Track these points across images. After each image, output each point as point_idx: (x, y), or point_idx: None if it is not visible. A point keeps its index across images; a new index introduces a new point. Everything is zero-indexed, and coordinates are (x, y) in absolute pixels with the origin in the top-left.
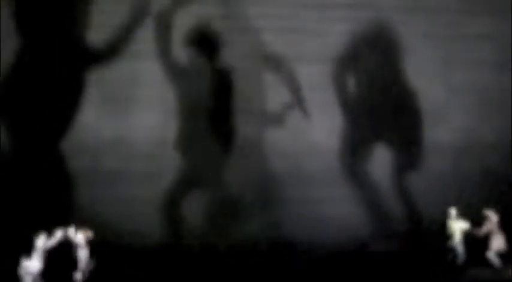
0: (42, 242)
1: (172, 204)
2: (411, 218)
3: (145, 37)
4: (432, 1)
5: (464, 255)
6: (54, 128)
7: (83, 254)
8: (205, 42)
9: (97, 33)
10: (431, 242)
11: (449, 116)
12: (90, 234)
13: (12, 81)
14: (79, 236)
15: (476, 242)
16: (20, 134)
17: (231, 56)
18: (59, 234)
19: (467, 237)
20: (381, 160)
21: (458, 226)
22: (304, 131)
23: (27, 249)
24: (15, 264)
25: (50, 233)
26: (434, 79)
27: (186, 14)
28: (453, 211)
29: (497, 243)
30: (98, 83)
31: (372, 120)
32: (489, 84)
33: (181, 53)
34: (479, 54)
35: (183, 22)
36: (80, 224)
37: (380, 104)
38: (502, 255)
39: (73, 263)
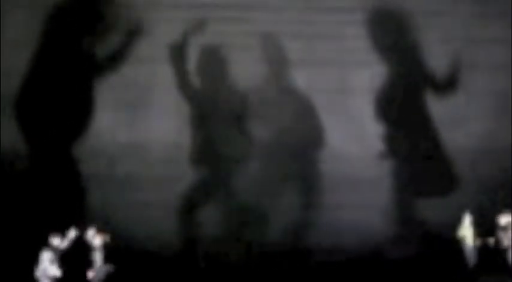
0: (57, 243)
1: (189, 210)
2: (428, 224)
3: (161, 41)
4: (447, 5)
5: (476, 261)
6: (69, 131)
7: (98, 258)
8: (221, 46)
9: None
10: (448, 247)
11: (467, 121)
12: (107, 237)
13: (25, 85)
14: (96, 239)
15: (489, 248)
16: (34, 137)
17: (247, 60)
18: (72, 235)
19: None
20: (398, 165)
21: (470, 232)
22: (323, 136)
23: (42, 253)
24: (31, 267)
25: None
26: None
27: (203, 14)
28: (467, 217)
29: None
30: (113, 87)
31: (390, 124)
32: (507, 88)
33: (196, 57)
34: (496, 58)
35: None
36: (98, 227)
37: (397, 108)
38: None
39: (89, 267)
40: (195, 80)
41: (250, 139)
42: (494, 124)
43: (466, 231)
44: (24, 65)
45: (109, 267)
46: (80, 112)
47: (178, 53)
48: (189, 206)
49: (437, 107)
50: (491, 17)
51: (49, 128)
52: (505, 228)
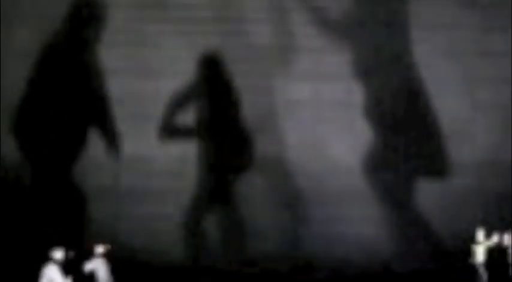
0: (60, 257)
1: (193, 222)
2: (434, 237)
3: (167, 55)
4: (453, 18)
5: (486, 275)
6: (72, 144)
7: (102, 270)
8: (219, 60)
9: (110, 50)
10: (454, 260)
11: (473, 134)
12: (109, 249)
13: (29, 98)
14: (98, 252)
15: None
16: (37, 149)
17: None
18: (71, 255)
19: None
20: (403, 178)
21: (482, 248)
22: (326, 149)
23: (45, 266)
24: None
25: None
26: (457, 97)
27: (199, 33)
28: (480, 233)
29: None
30: (118, 100)
31: (395, 138)
32: None
33: (198, 71)
34: (501, 71)
35: (198, 41)
36: (98, 242)
37: (403, 122)
38: None
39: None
40: (200, 93)
41: (254, 151)
42: (501, 136)
43: (478, 247)
44: (27, 78)
45: (112, 279)
46: (83, 126)
47: None
48: (193, 219)
49: (442, 120)
50: (496, 30)
51: (52, 140)
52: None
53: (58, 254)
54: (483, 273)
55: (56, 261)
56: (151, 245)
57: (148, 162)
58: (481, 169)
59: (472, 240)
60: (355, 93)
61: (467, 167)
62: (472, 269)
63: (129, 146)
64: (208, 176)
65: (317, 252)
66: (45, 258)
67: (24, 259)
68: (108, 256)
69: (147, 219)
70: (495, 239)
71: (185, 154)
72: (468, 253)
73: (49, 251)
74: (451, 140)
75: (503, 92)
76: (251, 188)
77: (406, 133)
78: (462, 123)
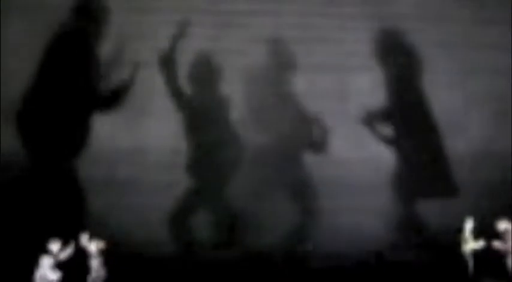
0: (56, 249)
1: (183, 215)
2: (427, 228)
3: (161, 46)
4: (448, 10)
5: (473, 265)
6: (68, 137)
7: (95, 264)
8: (219, 52)
9: (109, 43)
10: (447, 252)
11: (467, 126)
12: (103, 244)
13: (25, 91)
14: (92, 246)
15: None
16: (34, 142)
17: (247, 65)
18: (71, 247)
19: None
20: (397, 170)
21: (470, 239)
22: (323, 141)
23: (42, 258)
24: (30, 272)
25: (63, 241)
26: (451, 89)
27: (202, 19)
28: (469, 223)
29: None
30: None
31: (389, 129)
32: (506, 93)
33: (194, 63)
34: (496, 64)
35: (198, 29)
36: (94, 234)
37: (397, 114)
38: None
39: (86, 273)
40: (192, 86)
41: (246, 144)
42: (494, 129)
43: (467, 237)
44: (25, 71)
45: (105, 273)
46: (79, 118)
47: (170, 59)
48: (184, 211)
49: (437, 112)
50: (491, 22)
51: (48, 133)
52: (503, 234)
53: (54, 246)
54: (471, 264)
55: (51, 254)
56: (145, 237)
57: (143, 154)
58: (473, 161)
59: (461, 231)
60: (349, 85)
61: (461, 159)
62: (461, 259)
63: (124, 138)
64: (204, 168)
65: (312, 242)
66: (41, 250)
67: (20, 251)
68: (102, 251)
69: (142, 211)
70: (481, 243)
71: (179, 146)
72: (459, 244)
73: (45, 243)
74: (445, 132)
75: (497, 83)
76: (246, 180)
77: (401, 125)
78: (455, 115)
